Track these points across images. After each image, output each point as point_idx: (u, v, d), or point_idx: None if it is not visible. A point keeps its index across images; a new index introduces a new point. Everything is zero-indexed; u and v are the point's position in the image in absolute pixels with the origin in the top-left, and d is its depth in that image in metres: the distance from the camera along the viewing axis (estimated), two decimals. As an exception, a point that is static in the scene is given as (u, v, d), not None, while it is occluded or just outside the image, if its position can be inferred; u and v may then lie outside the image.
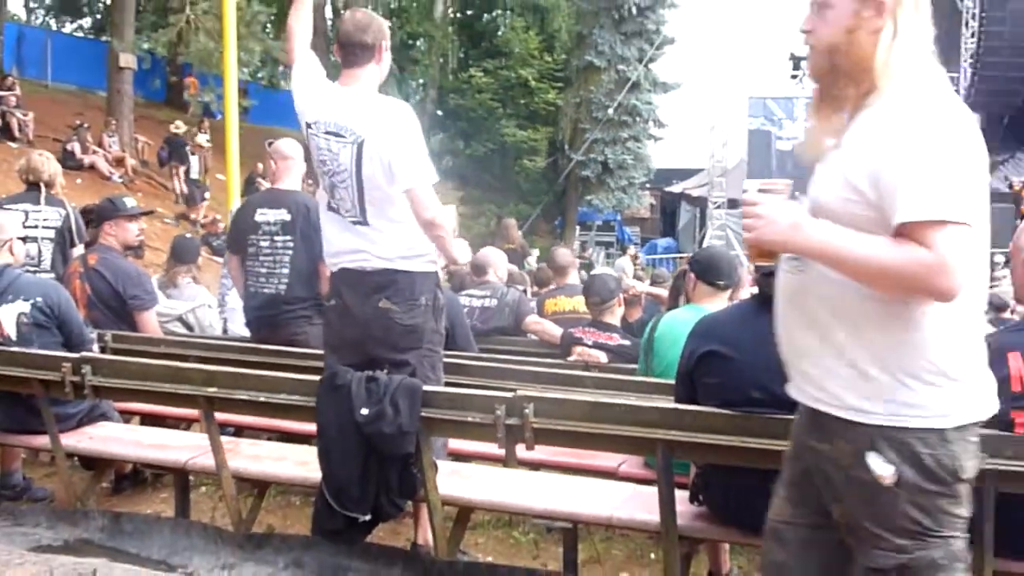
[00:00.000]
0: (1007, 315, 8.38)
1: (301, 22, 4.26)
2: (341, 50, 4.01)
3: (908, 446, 2.19)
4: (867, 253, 2.10)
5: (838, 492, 2.33)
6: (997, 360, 3.12)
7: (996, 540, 3.10)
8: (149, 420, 5.35)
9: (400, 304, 3.91)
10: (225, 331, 7.09)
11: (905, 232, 2.06)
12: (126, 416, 5.21)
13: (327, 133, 3.94)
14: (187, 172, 20.64)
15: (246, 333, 5.95)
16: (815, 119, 2.40)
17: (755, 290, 3.58)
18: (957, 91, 22.30)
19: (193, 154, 20.82)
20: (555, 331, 6.48)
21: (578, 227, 29.78)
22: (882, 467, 2.20)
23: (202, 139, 21.73)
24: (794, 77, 24.08)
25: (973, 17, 22.44)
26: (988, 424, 3.03)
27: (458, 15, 34.84)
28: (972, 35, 22.46)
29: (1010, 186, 25.14)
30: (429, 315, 4.00)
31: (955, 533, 2.26)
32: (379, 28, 4.01)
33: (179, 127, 21.61)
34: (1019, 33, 21.94)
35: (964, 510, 2.27)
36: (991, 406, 2.31)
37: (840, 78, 2.30)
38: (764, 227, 2.24)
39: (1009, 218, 17.30)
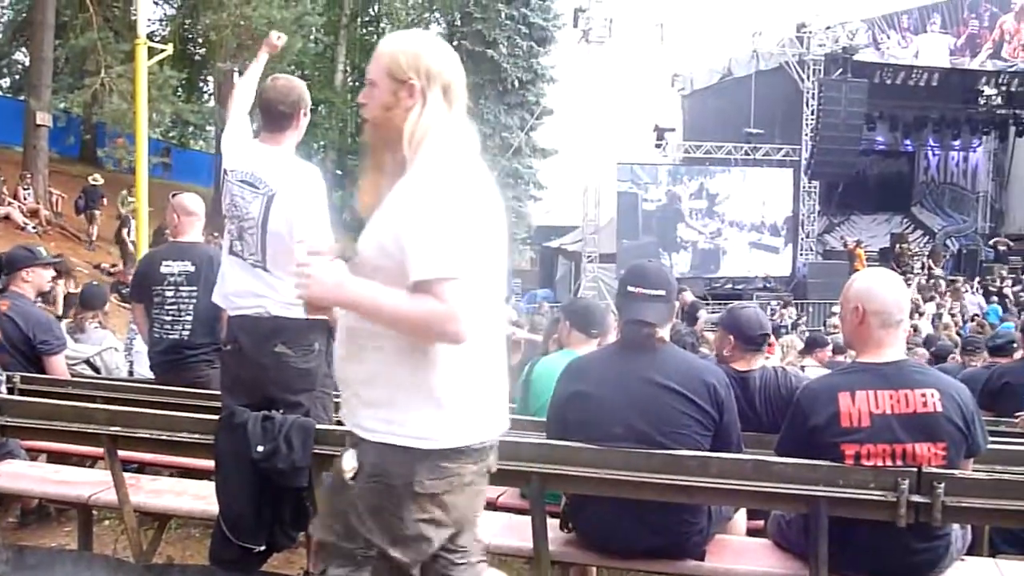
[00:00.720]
0: (841, 358, 8.69)
1: (246, 89, 4.30)
2: (263, 113, 3.97)
3: (380, 456, 2.33)
4: (394, 305, 2.24)
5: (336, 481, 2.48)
6: (828, 399, 3.24)
7: (831, 558, 3.18)
8: (55, 458, 5.15)
9: (295, 349, 3.84)
10: (131, 373, 6.90)
11: (420, 287, 2.21)
12: (33, 454, 5.01)
13: (241, 182, 3.89)
14: (128, 233, 20.03)
15: (151, 375, 5.79)
16: (365, 181, 2.53)
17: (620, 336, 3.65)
18: (798, 161, 23.33)
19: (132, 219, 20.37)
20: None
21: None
22: (349, 463, 2.35)
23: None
24: (658, 146, 24.59)
25: (813, 97, 23.27)
26: (821, 455, 3.13)
27: (356, 84, 34.74)
28: (812, 112, 23.29)
29: (845, 244, 26.12)
30: (322, 359, 3.94)
31: (393, 550, 2.35)
32: (299, 95, 3.98)
33: (97, 179, 21.17)
34: (852, 112, 22.84)
35: (412, 528, 2.34)
36: (470, 436, 2.39)
37: (381, 147, 2.46)
38: (313, 286, 2.33)
39: (844, 273, 17.90)
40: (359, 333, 2.39)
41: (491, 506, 4.33)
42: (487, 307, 2.38)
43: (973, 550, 3.79)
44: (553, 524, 3.52)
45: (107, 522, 4.90)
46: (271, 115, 3.93)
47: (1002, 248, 27.21)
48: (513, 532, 3.66)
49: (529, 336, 9.00)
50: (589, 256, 24.32)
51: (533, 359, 5.15)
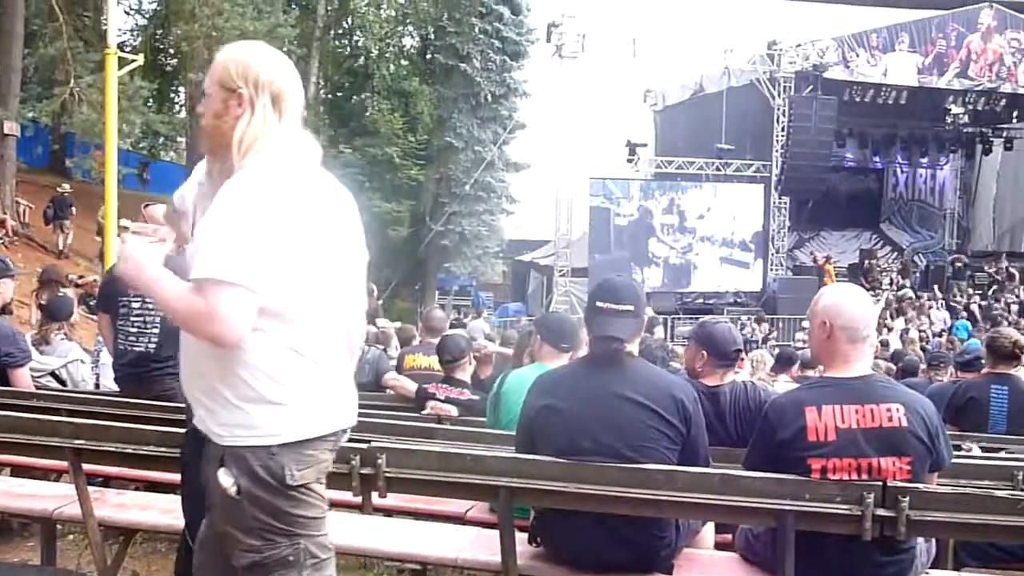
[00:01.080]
0: (812, 372, 8.73)
1: None
2: None
3: (244, 461, 2.39)
4: (171, 296, 2.35)
5: (210, 502, 2.53)
6: (795, 414, 3.26)
7: (798, 572, 3.19)
8: (18, 471, 5.07)
9: None
10: (97, 385, 6.82)
11: (193, 285, 2.30)
12: (-4, 468, 4.96)
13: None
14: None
15: (117, 389, 5.74)
16: (207, 185, 2.62)
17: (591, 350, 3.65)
18: (769, 177, 23.49)
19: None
20: (410, 387, 6.45)
21: (437, 292, 29.81)
22: (226, 480, 2.38)
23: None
24: (630, 161, 24.67)
25: (783, 113, 23.46)
26: (788, 469, 3.14)
27: (329, 96, 34.71)
28: (782, 129, 23.45)
29: (814, 260, 26.32)
30: None
31: (302, 532, 2.46)
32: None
33: (65, 189, 21.16)
34: (822, 129, 23.01)
35: (309, 511, 2.47)
36: (318, 427, 2.49)
37: (213, 155, 2.55)
38: (120, 262, 2.48)
39: (814, 288, 18.00)
40: (192, 345, 2.45)
41: (459, 520, 4.33)
42: (316, 305, 2.47)
43: (938, 564, 3.83)
44: (521, 538, 3.51)
45: (71, 536, 4.84)
46: None
47: (959, 265, 27.53)
48: (481, 546, 3.65)
49: (500, 350, 9.00)
50: (561, 270, 24.35)
51: (504, 372, 5.14)
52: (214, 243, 2.29)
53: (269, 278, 2.33)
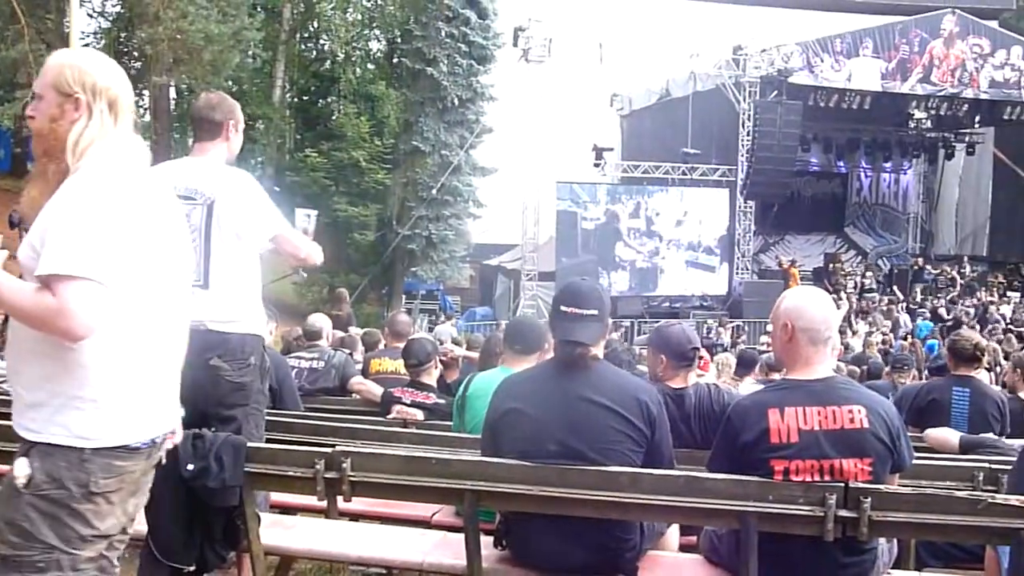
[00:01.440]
0: (777, 376, 8.79)
1: None
2: (193, 125, 3.99)
3: (52, 459, 2.38)
4: (17, 297, 2.34)
5: None
6: (758, 416, 3.28)
7: (761, 573, 3.21)
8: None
9: (230, 363, 3.80)
10: None
11: (41, 282, 2.31)
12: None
13: (179, 197, 3.84)
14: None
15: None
16: (32, 189, 2.61)
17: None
18: (734, 182, 23.63)
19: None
20: (376, 391, 6.42)
21: (404, 296, 29.66)
22: (21, 470, 2.38)
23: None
24: (596, 165, 24.72)
25: (749, 118, 23.55)
26: (751, 471, 3.17)
27: (295, 100, 34.56)
28: (748, 134, 23.56)
29: (779, 264, 26.46)
30: (256, 375, 3.89)
31: (64, 546, 2.41)
32: (229, 108, 3.98)
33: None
34: (787, 134, 23.15)
35: (86, 527, 2.44)
36: (135, 434, 2.51)
37: (46, 157, 2.55)
38: None
39: (779, 292, 17.96)
40: (20, 335, 2.46)
41: (425, 524, 4.33)
42: (148, 310, 2.52)
43: (900, 564, 3.87)
44: (487, 542, 3.51)
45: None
46: (201, 126, 3.94)
47: (915, 268, 27.92)
48: (447, 550, 3.65)
49: (467, 353, 8.99)
50: (528, 274, 24.34)
51: (470, 375, 5.14)
52: (59, 239, 2.31)
53: (116, 273, 2.38)
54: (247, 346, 3.85)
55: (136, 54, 23.80)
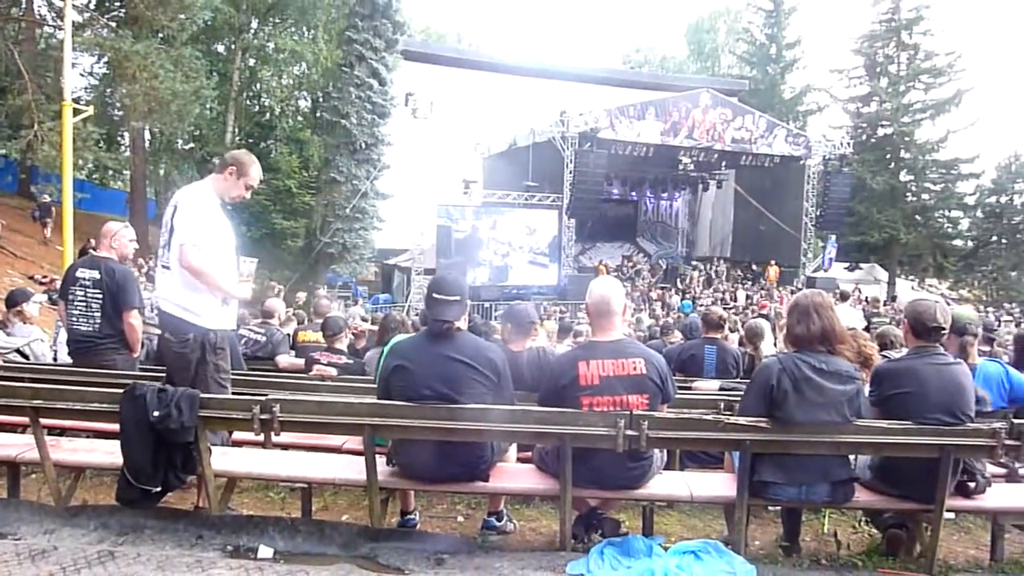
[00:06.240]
0: (581, 339, 8.93)
1: None
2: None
3: None
4: None
5: None
6: (571, 366, 3.34)
7: (574, 476, 3.28)
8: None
9: (175, 337, 3.80)
10: (55, 359, 6.31)
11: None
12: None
13: (172, 205, 3.85)
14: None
15: (70, 360, 5.33)
16: None
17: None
18: (561, 205, 23.91)
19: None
20: (298, 363, 6.28)
21: (325, 287, 28.89)
22: None
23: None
24: (465, 193, 24.58)
25: (571, 161, 23.87)
26: (567, 405, 3.19)
27: (243, 142, 33.01)
28: (570, 172, 23.79)
29: (593, 263, 27.01)
30: (197, 348, 3.80)
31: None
32: (233, 158, 3.92)
33: (46, 197, 20.36)
34: (597, 173, 23.45)
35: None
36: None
37: None
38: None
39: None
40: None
41: (337, 451, 4.25)
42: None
43: (669, 466, 4.02)
44: (381, 461, 3.49)
45: (33, 476, 4.45)
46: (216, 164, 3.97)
47: (682, 266, 29.10)
48: (353, 468, 3.60)
49: (371, 327, 8.85)
50: (417, 270, 24.18)
51: (391, 338, 4.99)
52: None
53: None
54: (186, 325, 3.80)
55: (118, 105, 22.32)
